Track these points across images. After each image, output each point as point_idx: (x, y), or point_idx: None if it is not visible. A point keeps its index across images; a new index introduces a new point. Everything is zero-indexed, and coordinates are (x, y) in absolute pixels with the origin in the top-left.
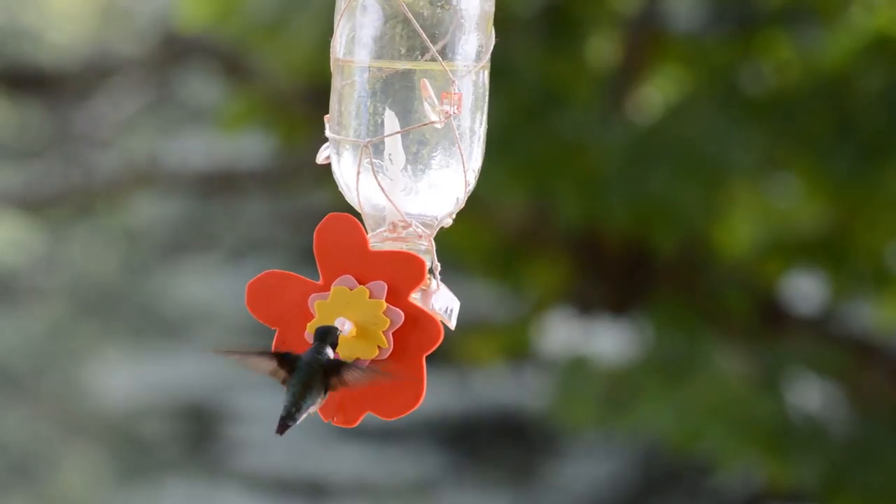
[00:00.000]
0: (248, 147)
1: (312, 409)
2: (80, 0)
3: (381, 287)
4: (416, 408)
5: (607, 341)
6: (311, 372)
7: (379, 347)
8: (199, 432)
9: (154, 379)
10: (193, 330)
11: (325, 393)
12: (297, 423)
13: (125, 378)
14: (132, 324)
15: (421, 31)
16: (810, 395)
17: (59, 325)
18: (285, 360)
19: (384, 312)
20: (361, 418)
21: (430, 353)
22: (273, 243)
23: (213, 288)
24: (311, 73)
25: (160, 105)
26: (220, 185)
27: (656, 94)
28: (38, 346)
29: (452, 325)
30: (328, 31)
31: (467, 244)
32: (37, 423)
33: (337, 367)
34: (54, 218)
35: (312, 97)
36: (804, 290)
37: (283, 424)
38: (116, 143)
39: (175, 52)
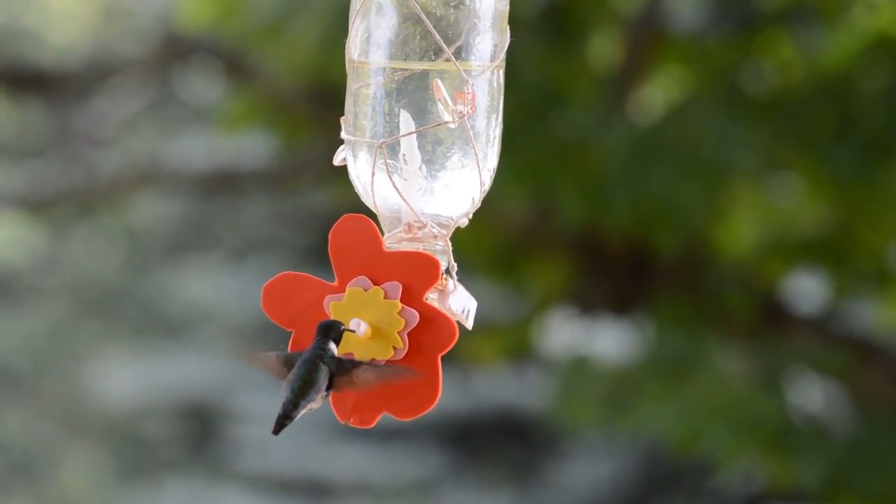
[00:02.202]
0: (250, 147)
1: (312, 407)
2: (82, 0)
3: (396, 287)
4: (432, 407)
5: (609, 341)
6: (311, 369)
7: (394, 348)
8: (200, 432)
9: (155, 379)
10: (195, 330)
11: (328, 391)
12: (294, 421)
13: (127, 378)
14: (134, 324)
15: (434, 31)
16: (812, 395)
17: (60, 325)
18: (289, 360)
19: (399, 313)
20: (378, 419)
21: (445, 352)
22: (275, 243)
23: (214, 288)
24: (313, 74)
25: (162, 105)
26: (221, 184)
27: (658, 93)
28: (39, 346)
29: (469, 325)
30: (329, 31)
31: (469, 244)
32: (38, 423)
33: (344, 365)
34: (56, 218)
35: (314, 97)
36: (806, 289)
37: (280, 423)
38: (118, 143)
39: (176, 51)
